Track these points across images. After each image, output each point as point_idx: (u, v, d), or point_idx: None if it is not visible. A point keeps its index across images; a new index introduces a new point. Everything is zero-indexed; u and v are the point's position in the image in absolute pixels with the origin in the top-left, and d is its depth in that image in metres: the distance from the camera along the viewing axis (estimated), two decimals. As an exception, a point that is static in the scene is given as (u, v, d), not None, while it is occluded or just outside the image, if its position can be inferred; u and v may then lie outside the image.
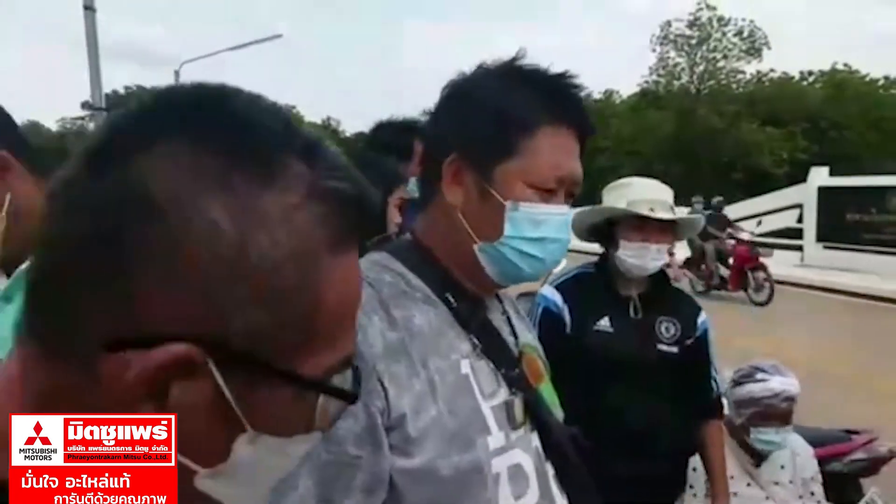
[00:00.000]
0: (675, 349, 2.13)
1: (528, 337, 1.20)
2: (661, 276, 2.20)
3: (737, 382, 2.51)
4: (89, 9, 5.91)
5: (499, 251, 0.99)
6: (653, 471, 2.08)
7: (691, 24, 44.13)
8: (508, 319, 1.15)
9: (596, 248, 2.28)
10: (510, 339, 1.09)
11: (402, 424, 0.86)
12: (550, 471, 1.05)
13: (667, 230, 2.09)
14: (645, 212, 2.04)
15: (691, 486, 2.42)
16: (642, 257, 2.07)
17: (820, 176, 17.21)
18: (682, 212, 2.16)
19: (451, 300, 1.00)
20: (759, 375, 2.46)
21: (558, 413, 1.14)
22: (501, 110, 0.99)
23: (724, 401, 2.45)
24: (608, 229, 2.15)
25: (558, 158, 0.99)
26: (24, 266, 1.19)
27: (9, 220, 1.19)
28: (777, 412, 2.42)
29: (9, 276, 1.26)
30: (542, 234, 0.98)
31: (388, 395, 0.86)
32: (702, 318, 2.25)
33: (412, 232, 1.09)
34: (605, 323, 2.10)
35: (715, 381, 2.32)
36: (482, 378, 0.98)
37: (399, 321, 0.92)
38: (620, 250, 2.08)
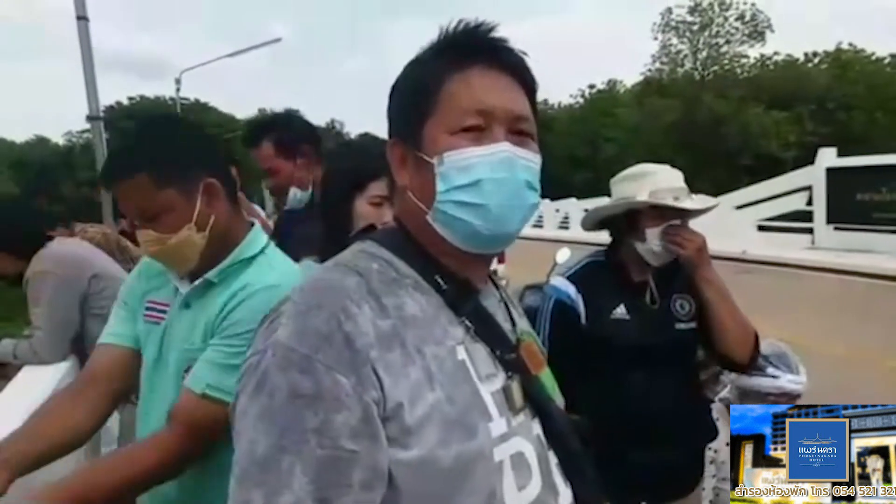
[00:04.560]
0: (692, 325, 2.12)
1: (524, 324, 1.17)
2: None
3: (756, 368, 2.46)
4: (82, 18, 5.93)
5: (441, 211, 0.95)
6: (675, 456, 2.07)
7: (692, 10, 44.10)
8: (506, 306, 1.12)
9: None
10: (506, 326, 1.06)
11: (398, 414, 0.82)
12: (553, 459, 1.01)
13: (684, 214, 2.07)
14: (671, 202, 2.01)
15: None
16: None
17: (828, 157, 17.06)
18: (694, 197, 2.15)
19: (441, 283, 0.97)
20: (770, 370, 2.42)
21: (559, 400, 1.10)
22: (412, 80, 1.00)
23: None
24: (626, 220, 2.12)
25: (475, 94, 0.95)
26: (208, 275, 1.51)
27: (209, 238, 1.49)
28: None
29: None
30: (474, 177, 0.93)
31: (383, 385, 0.82)
32: None
33: (396, 218, 1.07)
34: (621, 311, 2.08)
35: None
36: (479, 362, 0.94)
37: (390, 309, 0.88)
38: (649, 239, 2.05)
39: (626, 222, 2.12)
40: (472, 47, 0.98)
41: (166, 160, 1.45)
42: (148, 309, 1.62)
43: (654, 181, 2.06)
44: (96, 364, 1.62)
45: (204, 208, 1.48)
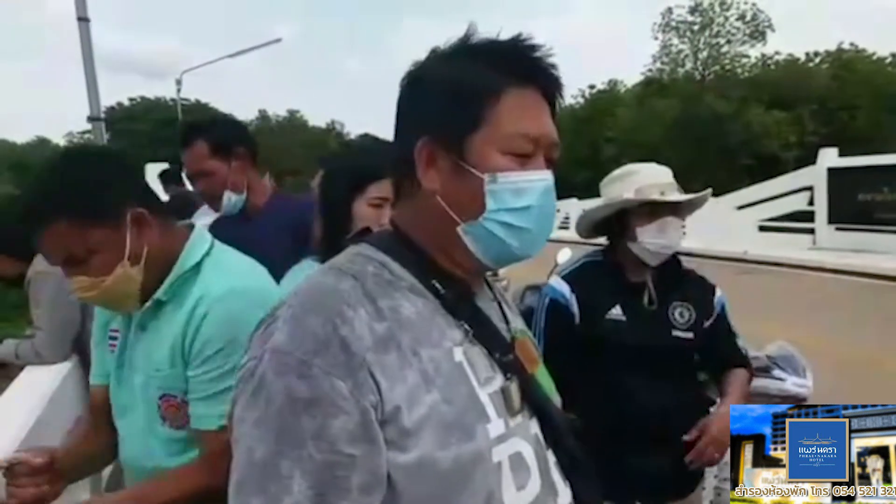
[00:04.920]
0: (690, 335, 2.10)
1: (518, 322, 1.17)
2: (671, 260, 2.15)
3: (763, 370, 2.46)
4: (83, 19, 5.94)
5: (484, 228, 0.94)
6: (672, 457, 2.05)
7: (693, 10, 44.10)
8: (499, 305, 1.11)
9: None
10: (501, 325, 1.06)
11: (396, 417, 0.82)
12: (552, 459, 1.01)
13: (677, 210, 2.07)
14: (658, 196, 2.01)
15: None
16: (665, 234, 2.03)
17: (829, 157, 17.06)
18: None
19: (438, 287, 0.96)
20: (776, 372, 2.42)
21: (556, 399, 1.10)
22: (460, 83, 0.95)
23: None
24: (617, 221, 2.11)
25: (529, 119, 0.96)
26: (156, 295, 1.45)
27: (146, 268, 1.42)
28: None
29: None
30: (526, 202, 0.94)
31: (380, 389, 0.82)
32: (717, 295, 2.22)
33: (392, 222, 1.06)
34: (617, 311, 2.08)
35: (743, 347, 2.26)
36: (477, 364, 0.94)
37: (386, 312, 0.88)
38: (640, 238, 2.04)
39: (617, 224, 2.11)
40: (534, 69, 0.97)
41: (85, 199, 1.35)
42: (110, 338, 1.59)
43: (639, 179, 2.06)
44: (92, 405, 1.67)
45: (135, 240, 1.40)
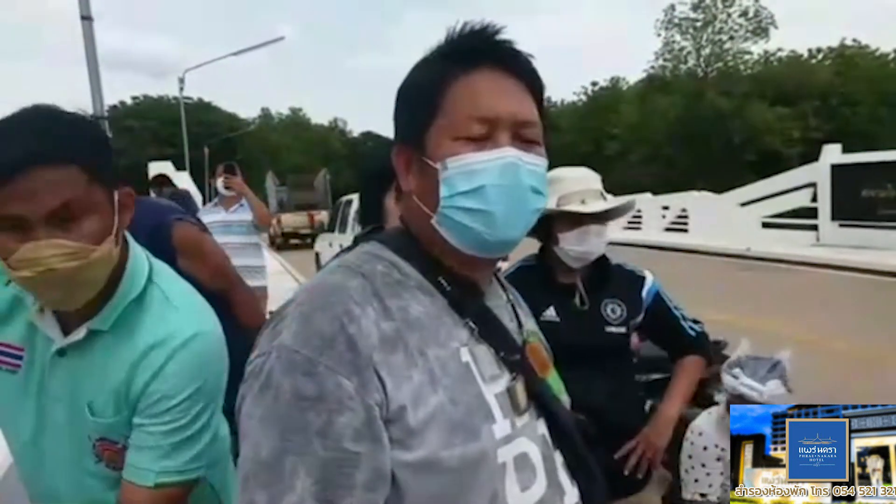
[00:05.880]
0: (622, 329, 2.16)
1: (531, 325, 1.17)
2: (599, 259, 2.21)
3: (730, 366, 2.46)
4: (86, 18, 5.95)
5: (445, 216, 0.94)
6: (610, 456, 2.09)
7: (695, 7, 44.10)
8: (513, 307, 1.11)
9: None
10: (512, 326, 1.05)
11: (401, 417, 0.83)
12: (559, 459, 1.01)
13: (600, 217, 2.12)
14: (577, 207, 2.06)
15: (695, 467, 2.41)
16: (585, 242, 2.08)
17: (832, 154, 17.00)
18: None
19: (445, 284, 0.96)
20: (735, 371, 2.42)
21: (565, 400, 1.10)
22: (413, 84, 1.00)
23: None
24: (542, 227, 2.15)
25: (481, 101, 0.93)
26: (93, 325, 1.25)
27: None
28: None
29: (65, 333, 1.29)
30: (478, 183, 0.91)
31: (385, 388, 0.82)
32: (647, 286, 2.25)
33: (401, 219, 1.07)
34: (550, 313, 2.12)
35: (690, 327, 2.28)
36: (483, 363, 0.94)
37: (394, 311, 0.88)
38: (562, 244, 2.11)
39: (542, 229, 2.15)
40: (478, 50, 0.96)
41: (100, 153, 1.19)
42: (0, 353, 1.34)
43: (562, 187, 2.10)
44: None
45: (120, 220, 1.23)
